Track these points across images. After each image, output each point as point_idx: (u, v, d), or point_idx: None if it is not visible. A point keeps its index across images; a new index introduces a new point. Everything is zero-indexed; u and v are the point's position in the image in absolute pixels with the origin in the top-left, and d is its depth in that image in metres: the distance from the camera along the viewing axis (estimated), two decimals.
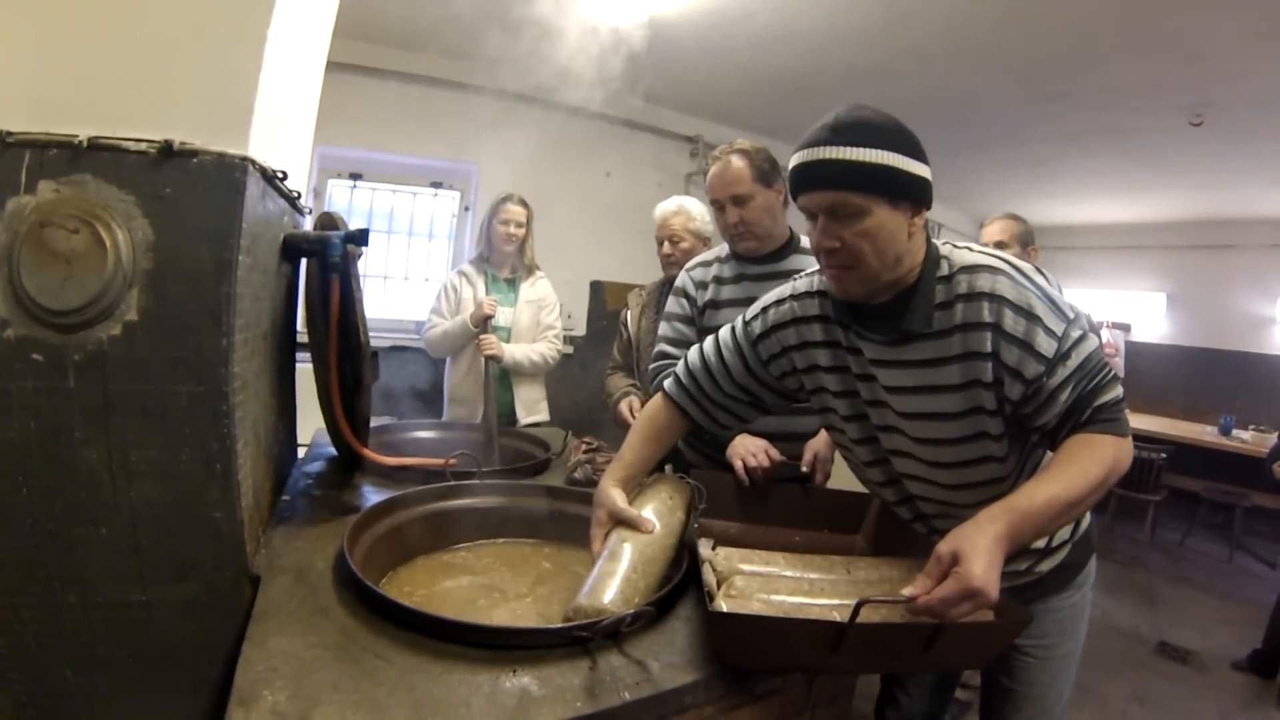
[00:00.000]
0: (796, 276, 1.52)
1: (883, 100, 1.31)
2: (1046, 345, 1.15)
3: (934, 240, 1.29)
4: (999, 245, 2.81)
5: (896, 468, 1.41)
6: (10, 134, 1.03)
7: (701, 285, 2.22)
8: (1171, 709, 3.35)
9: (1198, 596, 4.89)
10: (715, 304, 2.18)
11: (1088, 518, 1.49)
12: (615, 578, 1.20)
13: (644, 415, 1.58)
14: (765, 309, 1.50)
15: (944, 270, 1.24)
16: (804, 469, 1.87)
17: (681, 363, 1.60)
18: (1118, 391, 1.18)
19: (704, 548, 1.29)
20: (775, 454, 1.84)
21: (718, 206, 2.13)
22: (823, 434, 1.95)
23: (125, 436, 1.08)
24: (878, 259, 1.20)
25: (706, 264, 2.25)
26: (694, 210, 2.73)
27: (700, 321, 2.21)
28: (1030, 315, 1.16)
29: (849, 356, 1.38)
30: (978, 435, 1.26)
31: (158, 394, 1.09)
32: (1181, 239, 7.48)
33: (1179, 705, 3.39)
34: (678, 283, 2.30)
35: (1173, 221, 7.43)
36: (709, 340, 1.58)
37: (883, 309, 1.28)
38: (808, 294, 1.44)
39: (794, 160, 1.23)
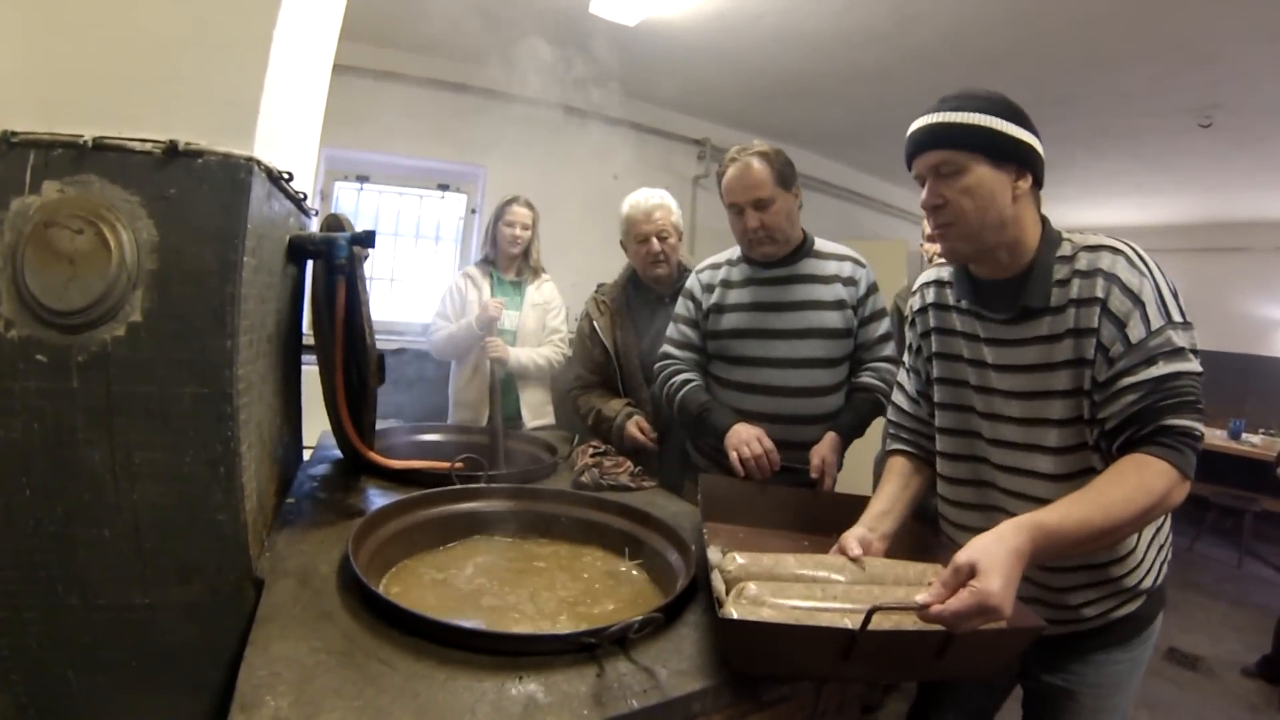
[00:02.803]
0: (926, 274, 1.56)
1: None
2: (1137, 331, 1.16)
3: (1055, 226, 1.32)
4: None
5: (993, 460, 1.38)
6: (15, 134, 1.03)
7: (709, 288, 2.18)
8: (1180, 715, 3.32)
9: (1207, 602, 4.86)
10: (720, 308, 2.15)
11: (1165, 570, 1.42)
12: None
13: (890, 475, 1.57)
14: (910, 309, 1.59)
15: (1065, 250, 1.28)
16: (813, 475, 1.86)
17: (891, 410, 1.66)
18: (1195, 423, 1.13)
19: (713, 554, 1.28)
20: (768, 442, 1.86)
21: (736, 210, 2.04)
22: (828, 438, 1.95)
23: (128, 438, 1.08)
24: (978, 215, 1.25)
25: (716, 266, 2.21)
26: (672, 204, 2.56)
27: (704, 325, 2.18)
28: (1136, 299, 1.17)
29: (963, 343, 1.41)
30: (1082, 420, 1.25)
31: (161, 395, 1.08)
32: (1190, 242, 7.46)
33: (1187, 711, 3.36)
34: (687, 285, 2.26)
35: (1181, 224, 7.42)
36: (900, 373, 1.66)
37: (1001, 285, 1.32)
38: (925, 284, 1.53)
39: (908, 133, 1.33)
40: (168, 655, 1.15)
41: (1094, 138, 4.96)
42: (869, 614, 0.95)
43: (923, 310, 1.52)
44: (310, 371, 1.73)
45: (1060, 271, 1.26)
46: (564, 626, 1.23)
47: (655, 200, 2.53)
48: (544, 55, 2.92)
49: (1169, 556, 1.43)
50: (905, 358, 1.62)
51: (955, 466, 1.47)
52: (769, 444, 1.87)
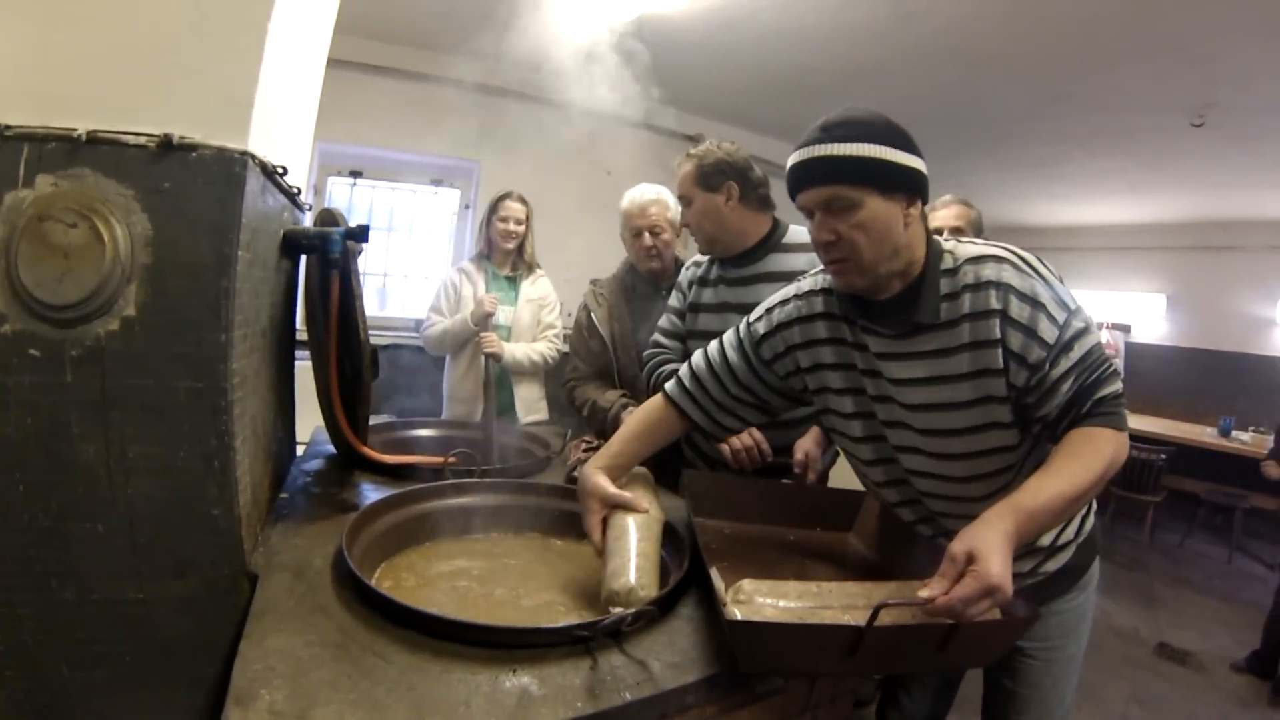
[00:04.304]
0: (802, 276, 1.52)
1: (886, 100, 1.33)
2: (1049, 332, 1.17)
3: (935, 236, 1.31)
4: (955, 231, 2.64)
5: (904, 465, 1.40)
6: (9, 127, 1.03)
7: (691, 284, 2.23)
8: (1170, 710, 3.35)
9: (1197, 598, 4.89)
10: (695, 307, 2.19)
11: (1091, 519, 1.49)
12: (631, 557, 1.23)
13: (639, 412, 1.58)
14: (770, 309, 1.51)
15: (948, 264, 1.27)
16: (795, 470, 1.86)
17: (685, 365, 1.59)
18: (1118, 386, 1.20)
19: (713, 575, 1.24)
20: (758, 434, 1.87)
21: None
22: (813, 432, 1.94)
23: (123, 432, 1.08)
24: (873, 250, 1.23)
25: (699, 263, 2.24)
26: (670, 200, 2.58)
27: (685, 323, 2.22)
28: (1035, 302, 1.18)
29: (854, 352, 1.39)
30: (989, 425, 1.27)
31: (156, 389, 1.08)
32: (1182, 240, 7.49)
33: (1178, 706, 3.38)
34: (680, 276, 2.30)
35: (1174, 223, 7.43)
36: (713, 343, 1.59)
37: (890, 304, 1.30)
38: (812, 292, 1.46)
39: (789, 162, 1.27)
40: (162, 649, 1.15)
41: (1088, 135, 4.97)
42: (876, 610, 0.95)
43: (808, 319, 1.45)
44: (303, 367, 1.73)
45: (946, 286, 1.26)
46: (554, 619, 1.23)
47: (651, 196, 2.57)
48: (538, 50, 2.91)
49: (1092, 509, 1.49)
50: (743, 333, 1.54)
51: (875, 471, 1.48)
52: (759, 435, 1.87)
